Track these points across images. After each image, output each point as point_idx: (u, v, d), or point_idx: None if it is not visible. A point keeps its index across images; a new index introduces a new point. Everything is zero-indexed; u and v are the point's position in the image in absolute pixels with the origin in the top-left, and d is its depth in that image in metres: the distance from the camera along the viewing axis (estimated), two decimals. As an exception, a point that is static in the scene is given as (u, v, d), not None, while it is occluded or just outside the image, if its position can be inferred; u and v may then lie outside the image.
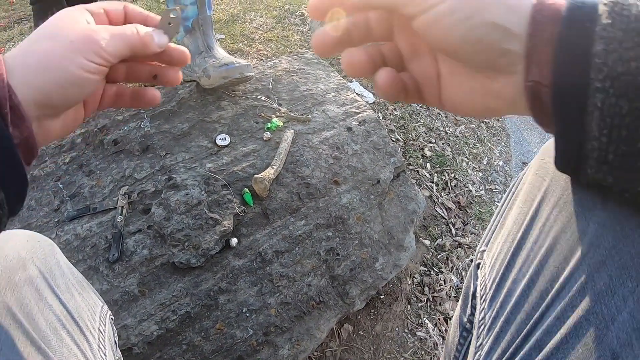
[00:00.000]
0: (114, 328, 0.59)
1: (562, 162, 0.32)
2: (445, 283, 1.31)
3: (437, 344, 1.18)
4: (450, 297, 1.29)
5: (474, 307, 0.49)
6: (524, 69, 0.30)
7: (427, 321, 1.21)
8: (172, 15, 0.43)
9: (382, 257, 1.11)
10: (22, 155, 0.34)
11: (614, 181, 0.30)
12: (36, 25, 1.51)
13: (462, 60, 0.33)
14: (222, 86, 1.38)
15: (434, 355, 1.16)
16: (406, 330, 1.18)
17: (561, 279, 0.35)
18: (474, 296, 0.49)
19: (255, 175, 1.10)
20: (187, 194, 1.13)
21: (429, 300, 1.25)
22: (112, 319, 0.59)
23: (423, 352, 1.15)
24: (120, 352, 0.62)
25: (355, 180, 1.17)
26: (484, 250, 0.50)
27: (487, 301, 0.43)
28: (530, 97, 0.30)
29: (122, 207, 1.14)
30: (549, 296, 0.36)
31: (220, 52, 1.41)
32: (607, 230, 0.33)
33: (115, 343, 0.58)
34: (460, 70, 0.34)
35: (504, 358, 0.38)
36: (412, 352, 1.14)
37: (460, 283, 1.34)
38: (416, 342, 1.16)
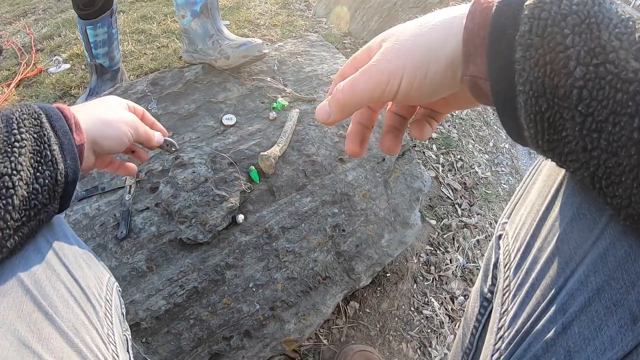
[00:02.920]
0: (121, 299, 0.60)
1: (513, 140, 0.37)
2: (451, 262, 1.31)
3: (443, 323, 1.18)
4: (456, 276, 1.29)
5: (494, 278, 0.50)
6: (463, 67, 0.35)
7: (433, 300, 1.21)
8: (173, 149, 0.72)
9: (388, 234, 1.11)
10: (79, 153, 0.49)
11: (554, 161, 0.34)
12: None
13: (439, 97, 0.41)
14: (241, 65, 1.39)
15: (439, 334, 1.16)
16: (412, 309, 1.18)
17: (584, 247, 0.36)
18: (495, 266, 0.50)
19: (262, 153, 1.10)
20: (194, 172, 1.13)
21: (435, 279, 1.25)
22: (119, 290, 0.60)
23: (429, 331, 1.16)
24: (127, 324, 0.62)
25: (360, 158, 1.17)
26: (506, 222, 0.51)
27: (512, 269, 0.44)
28: (471, 87, 0.36)
29: (130, 185, 1.15)
30: (573, 262, 0.37)
31: (230, 35, 1.41)
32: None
33: (123, 314, 0.59)
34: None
35: (530, 321, 0.39)
36: (418, 330, 1.15)
37: (467, 263, 1.34)
38: (422, 320, 1.17)
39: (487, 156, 1.75)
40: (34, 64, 2.16)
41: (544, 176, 0.45)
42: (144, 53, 2.13)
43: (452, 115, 1.83)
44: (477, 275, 1.29)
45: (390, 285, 1.19)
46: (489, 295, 0.52)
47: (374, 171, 1.17)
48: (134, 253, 1.04)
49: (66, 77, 1.98)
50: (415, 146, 1.57)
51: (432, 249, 1.32)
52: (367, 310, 1.13)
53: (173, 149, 0.72)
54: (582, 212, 0.38)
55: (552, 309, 0.37)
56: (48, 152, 0.44)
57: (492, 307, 0.49)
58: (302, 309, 0.99)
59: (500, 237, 0.50)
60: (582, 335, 0.35)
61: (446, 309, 1.20)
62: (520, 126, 0.33)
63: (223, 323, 0.98)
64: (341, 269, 1.04)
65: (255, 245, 1.04)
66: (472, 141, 1.77)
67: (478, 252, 1.38)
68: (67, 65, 2.12)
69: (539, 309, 0.39)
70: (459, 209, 1.46)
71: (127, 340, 0.58)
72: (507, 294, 0.44)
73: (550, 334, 0.37)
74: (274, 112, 1.26)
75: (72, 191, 0.48)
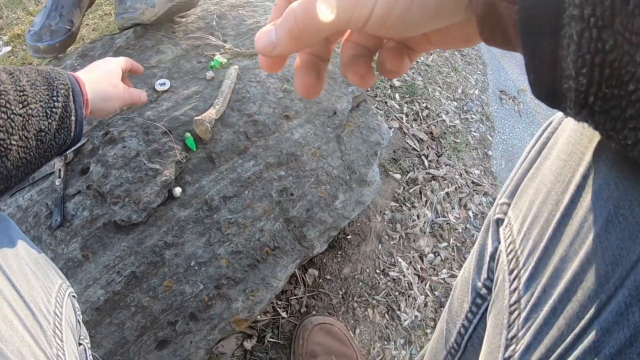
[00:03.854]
0: (77, 306, 0.57)
1: (537, 95, 0.25)
2: (419, 218, 1.22)
3: (411, 284, 1.10)
4: (424, 232, 1.21)
5: (491, 272, 0.41)
6: None
7: (400, 260, 1.13)
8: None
9: (343, 194, 1.01)
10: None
11: (596, 127, 0.24)
12: None
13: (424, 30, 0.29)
14: (170, 14, 1.24)
15: (408, 296, 1.08)
16: (377, 271, 1.10)
17: (626, 263, 0.27)
18: (492, 258, 0.40)
19: (195, 117, 0.99)
20: (124, 147, 1.02)
21: (402, 238, 1.17)
22: (73, 296, 0.56)
23: (397, 293, 1.08)
24: (85, 330, 0.59)
25: (308, 113, 1.06)
26: (507, 204, 0.40)
27: (523, 280, 0.34)
28: (481, 15, 0.25)
29: (60, 169, 1.04)
30: (610, 283, 0.27)
31: None
32: None
33: (79, 322, 0.56)
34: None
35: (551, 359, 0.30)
36: (384, 294, 1.07)
37: (436, 217, 1.25)
38: (389, 283, 1.09)
39: (455, 103, 1.64)
40: (-26, 49, 2.01)
41: (561, 152, 0.34)
42: (86, 24, 1.97)
43: (417, 61, 1.70)
44: (447, 230, 1.21)
45: (352, 248, 1.10)
46: (483, 291, 0.43)
47: (324, 126, 1.06)
48: (68, 242, 0.95)
49: (7, 60, 1.85)
50: (376, 96, 1.46)
51: (398, 205, 1.23)
52: (328, 277, 1.05)
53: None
54: (622, 212, 0.28)
55: (581, 347, 0.28)
56: (68, 122, 0.55)
57: (488, 307, 0.40)
58: (250, 284, 0.90)
59: (499, 222, 0.40)
60: None
61: (415, 269, 1.12)
62: (561, 73, 0.23)
63: (166, 307, 0.90)
64: (291, 237, 0.94)
65: (195, 219, 0.94)
66: (438, 88, 1.65)
67: (448, 205, 1.29)
68: (8, 48, 1.98)
69: (562, 345, 0.29)
70: (425, 161, 1.36)
71: (85, 350, 0.56)
72: (516, 313, 0.34)
73: None
74: (212, 72, 1.14)
75: (67, 150, 0.59)
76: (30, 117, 0.49)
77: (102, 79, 0.72)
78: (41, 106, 0.51)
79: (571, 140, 0.34)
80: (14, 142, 0.47)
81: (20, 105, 0.49)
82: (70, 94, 0.56)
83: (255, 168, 0.98)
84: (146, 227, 0.95)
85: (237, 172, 0.97)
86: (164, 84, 1.14)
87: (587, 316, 0.28)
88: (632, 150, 0.23)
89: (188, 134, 1.01)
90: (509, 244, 0.37)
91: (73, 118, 0.55)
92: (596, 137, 0.32)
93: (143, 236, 0.94)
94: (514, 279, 0.35)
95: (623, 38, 0.20)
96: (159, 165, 0.98)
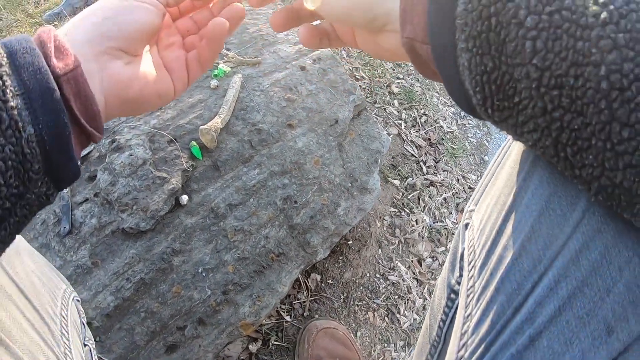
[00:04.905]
0: (81, 309, 0.57)
1: (464, 110, 0.33)
2: (417, 224, 1.25)
3: (410, 287, 1.14)
4: (423, 237, 1.24)
5: (462, 269, 0.46)
6: (400, 28, 0.33)
7: (399, 264, 1.16)
8: None
9: (345, 201, 1.04)
10: (71, 92, 0.32)
11: (508, 134, 0.31)
12: None
13: (349, 25, 0.41)
14: None
15: (407, 299, 1.12)
16: (378, 275, 1.13)
17: (554, 247, 0.33)
18: (462, 258, 0.46)
19: (201, 127, 1.01)
20: (131, 155, 1.04)
21: (401, 242, 1.20)
22: (77, 300, 0.57)
23: (396, 297, 1.11)
24: (90, 332, 0.60)
25: (311, 122, 1.09)
26: (473, 210, 0.46)
27: (477, 268, 0.40)
28: (408, 51, 0.33)
29: (66, 176, 1.06)
30: (541, 264, 0.33)
31: None
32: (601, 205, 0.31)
33: (83, 324, 0.57)
34: (357, 29, 0.41)
35: (494, 330, 0.35)
36: (384, 297, 1.10)
37: (434, 223, 1.29)
38: (389, 287, 1.12)
39: (452, 109, 1.68)
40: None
41: (512, 161, 0.40)
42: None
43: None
44: (445, 235, 1.25)
45: (353, 253, 1.13)
46: (456, 287, 0.48)
47: (326, 135, 1.09)
48: (77, 249, 0.97)
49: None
50: (375, 102, 1.49)
51: (397, 210, 1.26)
52: (330, 282, 1.08)
53: None
54: (552, 207, 0.33)
55: (519, 317, 0.34)
56: (3, 114, 0.28)
57: (458, 302, 0.46)
58: (257, 290, 0.93)
59: (467, 226, 0.46)
60: (552, 349, 0.32)
61: (414, 273, 1.16)
62: (467, 93, 0.30)
63: (175, 313, 0.93)
64: (295, 244, 0.97)
65: (201, 226, 0.97)
66: (436, 94, 1.68)
67: (445, 210, 1.33)
68: (-6, 38, 1.98)
69: (504, 317, 0.35)
70: (423, 167, 1.39)
71: (90, 351, 0.56)
72: (471, 295, 0.40)
73: (516, 347, 0.33)
74: (216, 80, 1.16)
75: (66, 160, 0.32)
76: None
77: (107, 3, 0.38)
78: None
79: (519, 151, 0.39)
80: None
81: None
82: (3, 62, 0.29)
83: (259, 176, 1.00)
84: (154, 234, 0.97)
85: (242, 180, 1.00)
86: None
87: (523, 292, 0.34)
88: (535, 147, 0.29)
89: (194, 143, 1.04)
90: (470, 241, 0.43)
91: (13, 101, 0.28)
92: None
93: (151, 243, 0.96)
94: (471, 269, 0.41)
95: (499, 61, 0.26)
96: (166, 173, 1.01)
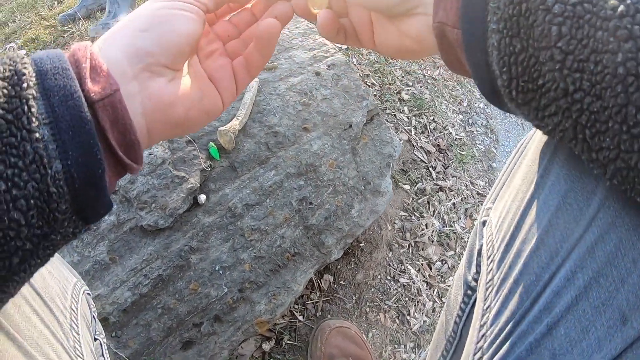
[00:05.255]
0: (91, 303, 0.56)
1: (486, 96, 0.34)
2: (427, 228, 1.28)
3: (420, 290, 1.15)
4: (432, 241, 1.26)
5: (478, 266, 0.47)
6: (433, 13, 0.34)
7: (409, 267, 1.19)
8: None
9: (358, 203, 1.06)
10: (107, 120, 0.28)
11: (527, 119, 0.32)
12: None
13: (374, 9, 0.39)
14: None
15: (418, 302, 1.14)
16: (388, 278, 1.15)
17: (571, 240, 0.34)
18: (479, 254, 0.47)
19: (220, 128, 1.04)
20: (150, 154, 1.07)
21: (411, 246, 1.22)
22: (88, 294, 0.55)
23: (407, 299, 1.13)
24: (101, 326, 0.59)
25: (325, 125, 1.12)
26: (490, 208, 0.48)
27: (496, 262, 0.41)
28: (438, 36, 0.34)
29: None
30: (559, 256, 0.35)
31: None
32: (616, 190, 0.32)
33: (94, 317, 0.55)
34: (382, 17, 0.40)
35: (513, 320, 0.37)
36: (395, 299, 1.12)
37: (443, 227, 1.31)
38: (399, 289, 1.14)
39: (461, 116, 1.71)
40: (-11, 54, 2.06)
41: (529, 160, 0.42)
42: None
43: (424, 75, 1.77)
44: (454, 239, 1.27)
45: (365, 255, 1.15)
46: (473, 283, 0.49)
47: (340, 139, 1.12)
48: (95, 245, 0.99)
49: (21, 64, 1.87)
50: (386, 109, 1.52)
51: (407, 214, 1.28)
52: (342, 283, 1.10)
53: None
54: (569, 202, 0.35)
55: (537, 307, 0.35)
56: (27, 146, 0.25)
57: (476, 296, 0.47)
58: (272, 288, 0.95)
59: (484, 223, 0.47)
60: (569, 337, 0.33)
61: (423, 276, 1.18)
62: (493, 75, 0.31)
63: (192, 309, 0.94)
64: (310, 244, 1.00)
65: (219, 225, 0.99)
66: (445, 101, 1.71)
67: (454, 215, 1.35)
68: (23, 52, 2.01)
69: (522, 307, 0.36)
70: (433, 172, 1.42)
71: (101, 345, 0.55)
72: (490, 288, 0.41)
73: (534, 335, 0.35)
74: (233, 84, 1.19)
75: (97, 197, 0.28)
76: None
77: (142, 10, 0.35)
78: None
79: (535, 151, 0.41)
80: None
81: None
82: (29, 85, 0.26)
83: (276, 177, 1.03)
84: (172, 232, 0.99)
85: (259, 181, 1.02)
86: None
87: (541, 283, 0.35)
88: (554, 132, 0.31)
89: (212, 144, 1.06)
90: (488, 237, 0.45)
91: (37, 132, 0.25)
92: (552, 147, 0.40)
93: (169, 241, 0.98)
94: (490, 263, 0.42)
95: (527, 43, 0.28)
96: (185, 172, 1.03)
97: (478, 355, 0.39)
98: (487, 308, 0.40)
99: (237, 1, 0.40)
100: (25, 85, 0.25)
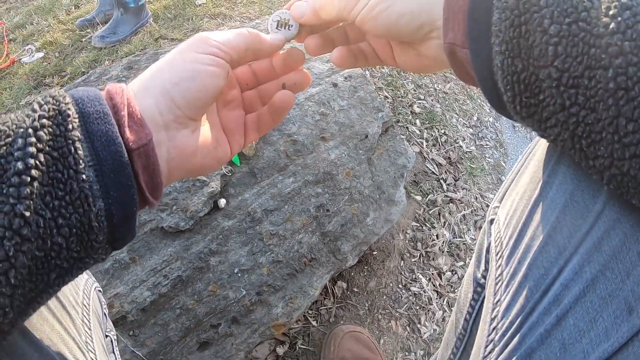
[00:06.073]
0: (102, 299, 0.57)
1: (496, 109, 0.37)
2: (437, 238, 1.30)
3: (431, 299, 1.18)
4: (443, 252, 1.29)
5: (487, 262, 0.49)
6: (443, 35, 0.36)
7: (420, 276, 1.21)
8: (280, 17, 0.44)
9: (373, 212, 1.09)
10: (140, 165, 0.32)
11: (533, 129, 0.34)
12: None
13: (393, 39, 0.43)
14: None
15: (428, 310, 1.16)
16: (400, 286, 1.17)
17: (578, 236, 0.36)
18: (487, 251, 0.49)
19: (241, 135, 1.07)
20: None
21: (422, 256, 1.25)
22: (99, 291, 0.57)
23: (418, 307, 1.15)
24: (111, 323, 0.60)
25: (342, 135, 1.15)
26: (497, 207, 0.49)
27: (504, 258, 0.43)
28: (449, 55, 0.37)
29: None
30: (566, 251, 0.36)
31: None
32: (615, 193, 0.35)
33: (105, 314, 0.56)
34: (398, 43, 0.43)
35: (523, 313, 0.38)
36: (406, 307, 1.14)
37: (453, 238, 1.33)
38: (410, 297, 1.16)
39: (471, 130, 1.74)
40: (6, 54, 2.09)
41: (536, 160, 0.44)
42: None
43: (435, 89, 1.80)
44: (464, 250, 1.29)
45: (377, 263, 1.18)
46: (482, 280, 0.51)
47: (357, 149, 1.15)
48: (115, 244, 1.01)
49: (40, 66, 1.91)
50: (398, 121, 1.55)
51: (418, 225, 1.31)
52: (355, 290, 1.12)
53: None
54: (575, 199, 0.37)
55: (546, 300, 0.37)
56: (74, 184, 0.28)
57: (485, 293, 0.48)
58: (289, 292, 0.97)
59: (492, 221, 0.49)
60: (577, 327, 0.35)
61: (434, 285, 1.20)
62: (499, 91, 0.33)
63: (210, 311, 0.97)
64: (327, 250, 1.02)
65: (238, 229, 1.02)
66: (455, 115, 1.75)
67: (464, 227, 1.38)
68: (41, 54, 2.05)
69: (532, 300, 0.38)
70: (444, 184, 1.45)
71: (112, 341, 0.56)
72: (499, 283, 0.43)
73: (544, 326, 0.36)
74: (253, 93, 1.22)
75: (128, 230, 0.33)
76: None
77: (173, 59, 0.37)
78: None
79: (543, 151, 0.43)
80: None
81: None
82: (74, 127, 0.29)
83: (294, 184, 1.06)
84: (192, 234, 1.02)
85: (278, 188, 1.05)
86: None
87: (550, 277, 0.37)
88: (556, 142, 0.33)
89: (232, 150, 1.09)
90: (497, 234, 0.46)
91: (84, 174, 0.28)
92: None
93: (189, 243, 1.01)
94: (499, 258, 0.44)
95: (528, 62, 0.30)
96: (206, 177, 1.06)
97: (490, 347, 0.41)
98: (497, 302, 0.42)
99: (259, 58, 0.44)
100: (70, 127, 0.29)
